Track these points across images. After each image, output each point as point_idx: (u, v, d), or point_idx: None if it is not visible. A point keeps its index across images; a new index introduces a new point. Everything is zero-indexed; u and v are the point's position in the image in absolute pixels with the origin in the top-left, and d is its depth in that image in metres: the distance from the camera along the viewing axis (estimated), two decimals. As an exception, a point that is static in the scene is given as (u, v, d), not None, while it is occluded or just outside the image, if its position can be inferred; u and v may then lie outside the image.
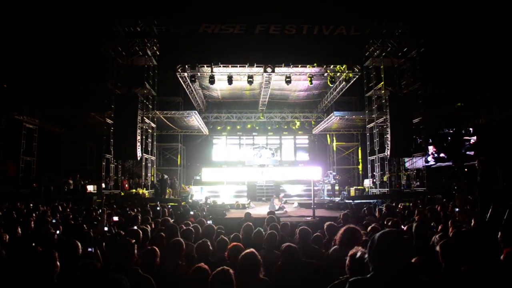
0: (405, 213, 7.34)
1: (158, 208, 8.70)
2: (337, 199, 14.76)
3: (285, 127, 21.70)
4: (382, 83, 14.73)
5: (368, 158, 16.17)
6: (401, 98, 14.30)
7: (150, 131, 15.85)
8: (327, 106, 20.46)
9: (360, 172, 20.79)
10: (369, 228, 4.51)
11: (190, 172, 21.03)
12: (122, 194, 14.37)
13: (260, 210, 12.32)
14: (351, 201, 12.97)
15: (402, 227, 4.74)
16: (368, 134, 16.14)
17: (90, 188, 15.63)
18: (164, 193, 15.56)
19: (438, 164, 18.64)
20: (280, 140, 22.53)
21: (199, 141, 21.79)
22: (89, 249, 3.59)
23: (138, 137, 13.83)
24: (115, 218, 6.36)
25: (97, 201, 12.19)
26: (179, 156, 20.87)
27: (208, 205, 12.19)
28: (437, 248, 2.81)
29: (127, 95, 13.89)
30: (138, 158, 14.06)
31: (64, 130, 18.75)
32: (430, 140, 18.89)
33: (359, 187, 16.88)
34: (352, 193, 16.09)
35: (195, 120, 17.68)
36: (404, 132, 13.99)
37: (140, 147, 14.06)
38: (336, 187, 16.44)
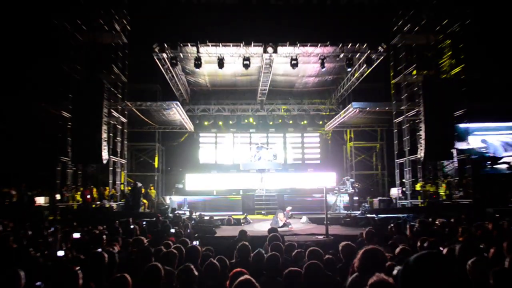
0: (444, 231, 7.33)
1: (131, 226, 8.69)
2: (356, 213, 14.85)
3: (291, 122, 21.86)
4: (415, 65, 14.71)
5: (396, 161, 16.31)
6: (439, 85, 14.23)
7: (120, 127, 15.90)
8: (343, 96, 20.51)
9: (386, 179, 20.95)
10: (398, 250, 4.46)
11: (171, 179, 21.18)
12: (83, 207, 14.34)
13: (259, 226, 12.46)
14: (374, 215, 13.17)
15: (441, 249, 4.72)
16: (395, 130, 16.24)
17: (40, 200, 15.43)
18: (138, 205, 15.56)
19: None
20: (284, 138, 22.60)
21: (182, 140, 21.88)
22: (37, 284, 3.45)
23: (104, 135, 13.78)
24: (76, 235, 6.30)
25: (49, 217, 12.11)
26: (156, 159, 20.89)
27: (194, 220, 12.26)
28: (491, 280, 2.75)
29: (89, 81, 13.73)
30: (104, 162, 14.05)
31: (4, 126, 18.59)
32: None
33: (384, 198, 17.06)
34: (376, 205, 16.30)
35: (176, 113, 17.70)
36: (443, 128, 13.98)
37: (106, 147, 14.03)
38: (355, 198, 16.61)
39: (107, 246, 5.56)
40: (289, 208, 14.23)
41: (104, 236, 6.29)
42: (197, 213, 13.75)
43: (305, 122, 21.73)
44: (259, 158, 17.73)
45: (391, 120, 16.68)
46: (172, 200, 17.10)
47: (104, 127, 13.85)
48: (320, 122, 21.78)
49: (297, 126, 22.04)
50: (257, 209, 17.05)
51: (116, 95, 15.37)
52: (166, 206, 16.18)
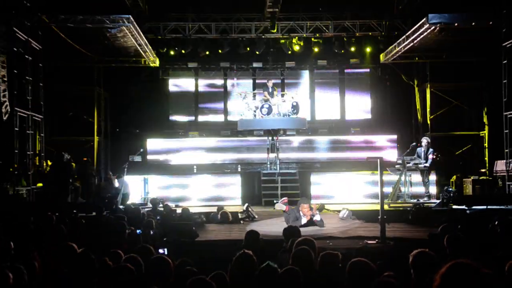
0: None
1: (57, 226, 8.71)
2: (433, 202, 14.82)
3: (320, 48, 21.50)
4: None
5: (505, 114, 16.36)
6: None
7: (30, 58, 15.83)
8: (412, 3, 19.96)
9: (486, 145, 20.77)
10: (508, 266, 4.51)
11: (121, 148, 21.27)
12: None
13: (269, 225, 12.88)
14: (464, 207, 13.34)
15: None
16: (505, 62, 16.16)
17: None
18: (66, 191, 15.62)
19: None
20: (311, 78, 22.60)
21: (138, 82, 21.77)
22: None
23: (1, 73, 13.78)
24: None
25: None
26: (96, 114, 20.84)
27: (160, 216, 12.39)
28: None
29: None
30: (5, 118, 14.12)
31: None
32: None
33: (483, 178, 17.07)
34: (468, 189, 16.42)
35: (129, 35, 17.38)
36: None
37: (6, 94, 13.97)
38: (432, 178, 16.55)
39: (16, 259, 5.59)
40: (285, 199, 14.28)
41: (12, 244, 6.29)
42: (166, 203, 13.86)
43: (349, 50, 21.37)
44: (267, 112, 17.59)
45: (496, 45, 16.55)
46: (124, 181, 17.03)
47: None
48: (369, 49, 21.42)
49: (333, 57, 22.02)
50: (266, 196, 17.40)
51: (22, 3, 15.15)
52: (114, 192, 16.40)
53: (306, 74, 23.03)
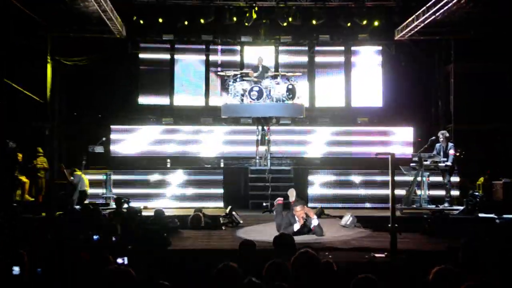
0: None
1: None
2: (456, 208, 14.76)
3: (322, 21, 21.24)
4: None
5: None
6: None
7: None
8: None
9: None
10: None
11: (80, 136, 20.99)
12: None
13: (257, 231, 13.06)
14: (493, 215, 13.55)
15: None
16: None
17: None
18: (9, 187, 15.50)
19: None
20: (311, 57, 22.58)
21: (102, 57, 21.50)
22: None
23: None
24: None
25: None
26: (48, 95, 20.73)
27: (125, 218, 12.50)
28: None
29: None
30: None
31: None
32: None
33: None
34: (498, 193, 16.48)
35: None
36: None
37: None
38: (456, 178, 16.68)
39: None
40: (280, 200, 14.18)
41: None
42: (132, 205, 13.77)
43: (357, 23, 21.20)
44: (258, 96, 17.50)
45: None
46: (81, 178, 17.07)
47: None
48: (381, 23, 21.24)
49: (338, 31, 21.99)
50: (254, 197, 17.60)
51: None
52: (69, 190, 16.35)
53: (305, 51, 22.83)
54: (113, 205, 14.84)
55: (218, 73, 20.33)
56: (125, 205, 14.47)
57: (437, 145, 16.40)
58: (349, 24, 21.31)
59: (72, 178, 17.56)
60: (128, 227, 11.19)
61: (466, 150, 18.67)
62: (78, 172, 17.24)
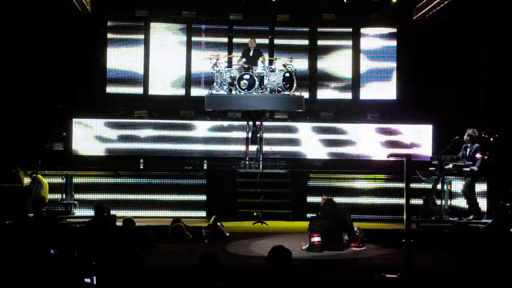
0: None
1: None
2: (484, 222, 14.82)
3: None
4: None
5: None
6: None
7: None
8: None
9: None
10: None
11: (35, 130, 20.95)
12: None
13: (243, 247, 13.33)
14: None
15: None
16: None
17: None
18: None
19: None
20: (311, 41, 22.50)
21: (62, 37, 21.45)
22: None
23: None
24: None
25: None
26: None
27: (90, 228, 12.61)
28: None
29: None
30: None
31: None
32: None
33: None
34: None
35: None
36: None
37: None
38: (483, 186, 16.70)
39: None
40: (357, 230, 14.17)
41: None
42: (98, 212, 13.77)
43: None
44: (249, 86, 17.56)
45: None
46: (38, 180, 16.97)
47: None
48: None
49: (345, 10, 21.75)
50: (242, 205, 17.48)
51: None
52: (21, 195, 16.06)
53: (305, 33, 22.65)
54: (76, 213, 14.78)
55: (208, 56, 20.09)
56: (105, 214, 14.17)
57: (466, 142, 16.37)
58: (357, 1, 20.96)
59: (25, 180, 17.41)
60: (93, 237, 11.17)
61: (497, 152, 18.62)
62: (38, 175, 17.08)
